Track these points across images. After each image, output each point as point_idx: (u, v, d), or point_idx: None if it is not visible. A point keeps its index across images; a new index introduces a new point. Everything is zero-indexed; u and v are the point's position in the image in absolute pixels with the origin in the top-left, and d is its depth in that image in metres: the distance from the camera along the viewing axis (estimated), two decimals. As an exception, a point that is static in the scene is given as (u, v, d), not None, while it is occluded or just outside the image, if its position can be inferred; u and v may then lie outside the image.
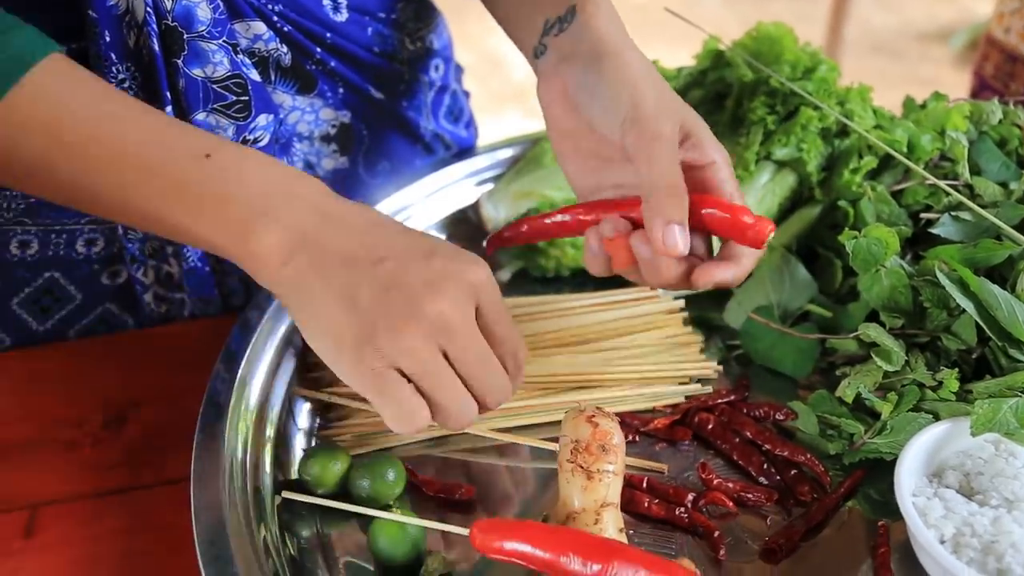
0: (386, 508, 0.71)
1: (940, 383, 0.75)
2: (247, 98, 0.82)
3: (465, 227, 1.04)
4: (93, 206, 0.67)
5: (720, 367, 0.86)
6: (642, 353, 0.86)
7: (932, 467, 0.71)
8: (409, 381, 0.63)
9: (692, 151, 0.72)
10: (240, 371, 0.80)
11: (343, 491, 0.74)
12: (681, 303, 0.91)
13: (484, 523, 0.63)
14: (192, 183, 0.63)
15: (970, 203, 0.83)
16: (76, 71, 0.65)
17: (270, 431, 0.79)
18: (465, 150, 1.11)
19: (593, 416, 0.70)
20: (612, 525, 0.67)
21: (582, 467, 0.67)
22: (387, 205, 1.01)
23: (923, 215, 0.87)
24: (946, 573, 0.63)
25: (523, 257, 0.99)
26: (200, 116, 0.82)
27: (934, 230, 0.83)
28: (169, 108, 0.81)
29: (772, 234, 0.70)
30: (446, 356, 0.64)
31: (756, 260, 0.73)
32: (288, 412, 0.82)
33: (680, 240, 0.68)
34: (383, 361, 0.62)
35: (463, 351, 0.64)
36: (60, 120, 0.63)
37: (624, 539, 0.67)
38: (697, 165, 0.72)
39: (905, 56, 3.80)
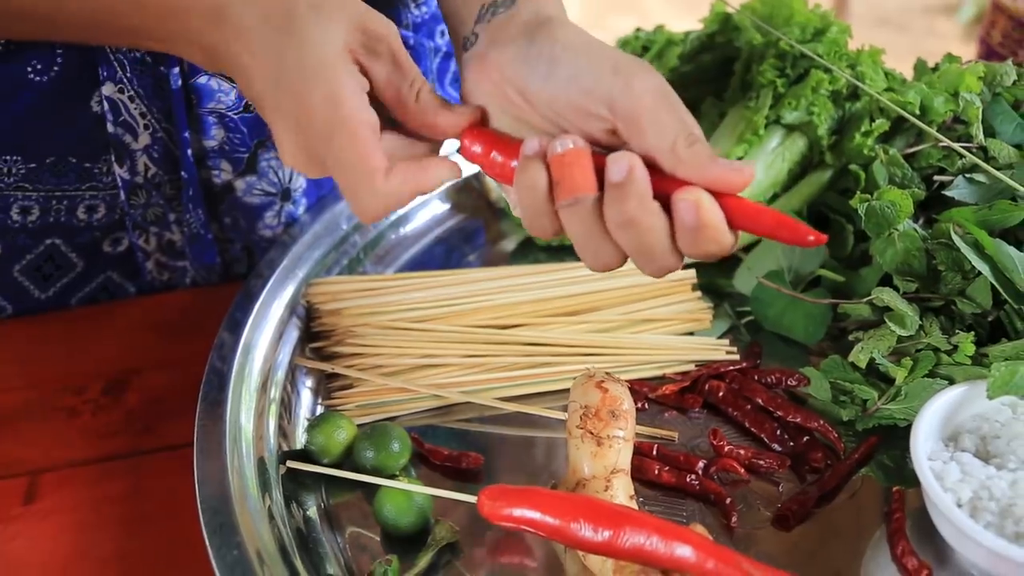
0: (392, 478, 0.70)
1: (955, 347, 0.74)
2: (248, 61, 0.81)
3: (469, 196, 1.03)
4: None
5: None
6: (650, 317, 0.85)
7: (948, 431, 0.70)
8: None
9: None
10: (243, 338, 0.79)
11: (348, 461, 0.73)
12: (691, 271, 0.89)
13: (492, 490, 0.61)
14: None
15: (985, 165, 0.81)
16: None
17: (274, 400, 0.78)
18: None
19: (603, 381, 0.69)
20: (623, 492, 0.66)
21: (592, 433, 0.66)
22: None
23: (936, 178, 0.85)
24: (963, 537, 0.62)
25: (529, 225, 0.97)
26: (202, 79, 0.82)
27: (948, 192, 0.81)
28: (175, 70, 0.80)
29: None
30: None
31: None
32: (291, 381, 0.81)
33: (739, 163, 0.57)
34: None
35: None
36: None
37: (635, 506, 0.66)
38: None
39: (911, 30, 3.76)
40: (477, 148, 0.65)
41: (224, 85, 0.82)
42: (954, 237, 0.75)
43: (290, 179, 0.91)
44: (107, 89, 0.80)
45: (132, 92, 0.80)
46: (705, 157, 0.57)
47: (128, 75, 0.80)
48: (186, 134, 0.83)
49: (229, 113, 0.84)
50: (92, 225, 0.88)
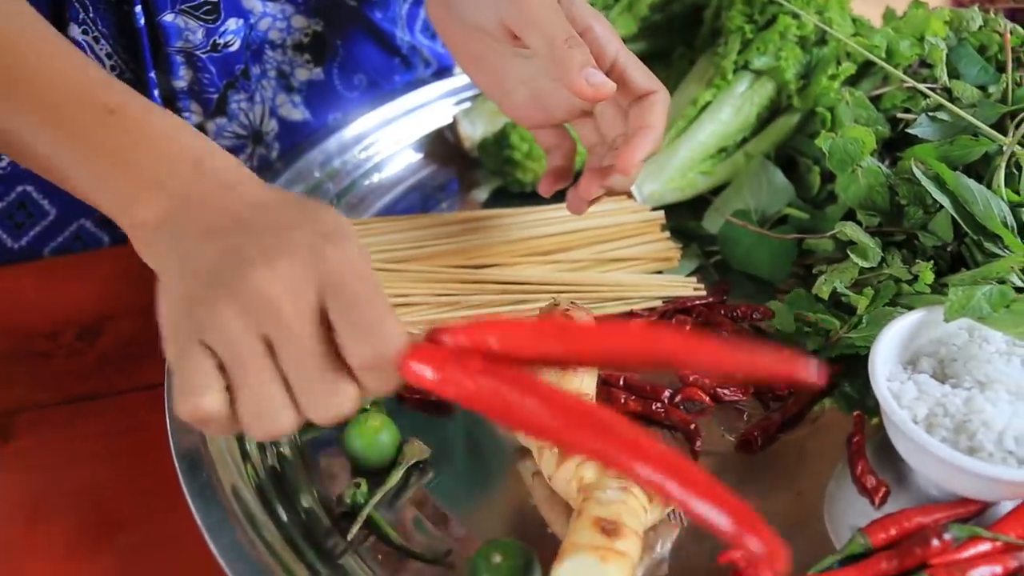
0: (361, 411, 0.71)
1: (915, 277, 0.75)
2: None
3: (442, 146, 1.04)
4: None
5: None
6: (619, 257, 0.86)
7: (907, 355, 0.71)
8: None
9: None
10: (215, 278, 0.80)
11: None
12: (660, 213, 0.90)
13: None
14: (86, 139, 0.56)
15: (948, 103, 0.82)
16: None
17: (246, 337, 0.78)
18: (445, 68, 1.10)
19: (567, 310, 0.70)
20: (587, 416, 0.66)
21: (556, 359, 0.67)
22: (363, 123, 1.00)
23: (900, 116, 0.86)
24: (919, 451, 0.63)
25: (500, 173, 0.98)
26: (168, 17, 0.81)
27: (911, 130, 0.82)
28: (138, 8, 0.80)
29: None
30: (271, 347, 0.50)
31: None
32: (264, 319, 0.81)
33: (603, 78, 0.65)
34: (192, 334, 0.51)
35: (285, 346, 0.50)
36: None
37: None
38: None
39: (897, 6, 3.77)
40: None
41: (191, 23, 0.82)
42: (916, 172, 0.76)
43: (261, 122, 0.92)
44: (73, 31, 0.80)
45: (97, 32, 0.80)
46: (575, 63, 0.64)
47: (91, 15, 0.79)
48: (152, 74, 0.83)
49: (197, 52, 0.84)
50: (64, 170, 0.88)
